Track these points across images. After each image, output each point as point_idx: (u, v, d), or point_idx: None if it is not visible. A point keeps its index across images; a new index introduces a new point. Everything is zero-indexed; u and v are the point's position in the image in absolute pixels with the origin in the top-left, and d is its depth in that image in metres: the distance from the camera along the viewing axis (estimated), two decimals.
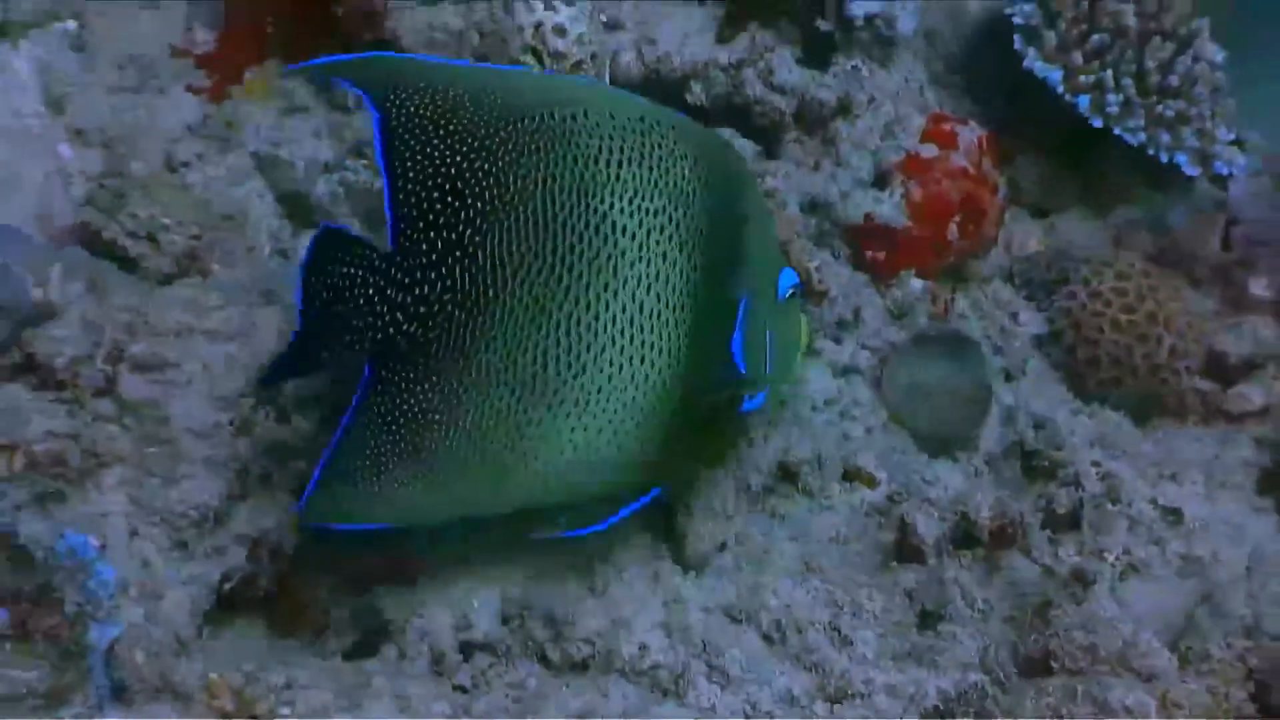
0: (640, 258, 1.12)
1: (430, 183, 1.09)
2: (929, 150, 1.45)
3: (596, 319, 1.11)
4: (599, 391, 1.12)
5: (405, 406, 1.11)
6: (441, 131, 1.09)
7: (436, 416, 1.11)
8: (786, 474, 1.33)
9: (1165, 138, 1.48)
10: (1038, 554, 1.30)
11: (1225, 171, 1.51)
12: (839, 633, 1.24)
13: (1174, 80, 1.47)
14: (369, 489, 1.13)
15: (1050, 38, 1.48)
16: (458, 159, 1.09)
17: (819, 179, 1.42)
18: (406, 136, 1.09)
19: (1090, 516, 1.32)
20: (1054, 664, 1.18)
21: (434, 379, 1.11)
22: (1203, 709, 1.14)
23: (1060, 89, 1.47)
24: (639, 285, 1.11)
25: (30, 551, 0.93)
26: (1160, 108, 1.47)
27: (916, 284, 1.43)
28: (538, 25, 1.39)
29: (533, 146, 1.10)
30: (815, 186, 1.42)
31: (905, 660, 1.23)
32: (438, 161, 1.09)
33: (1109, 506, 1.33)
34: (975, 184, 1.45)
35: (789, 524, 1.33)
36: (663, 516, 1.29)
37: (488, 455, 1.13)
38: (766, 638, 1.27)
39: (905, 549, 1.29)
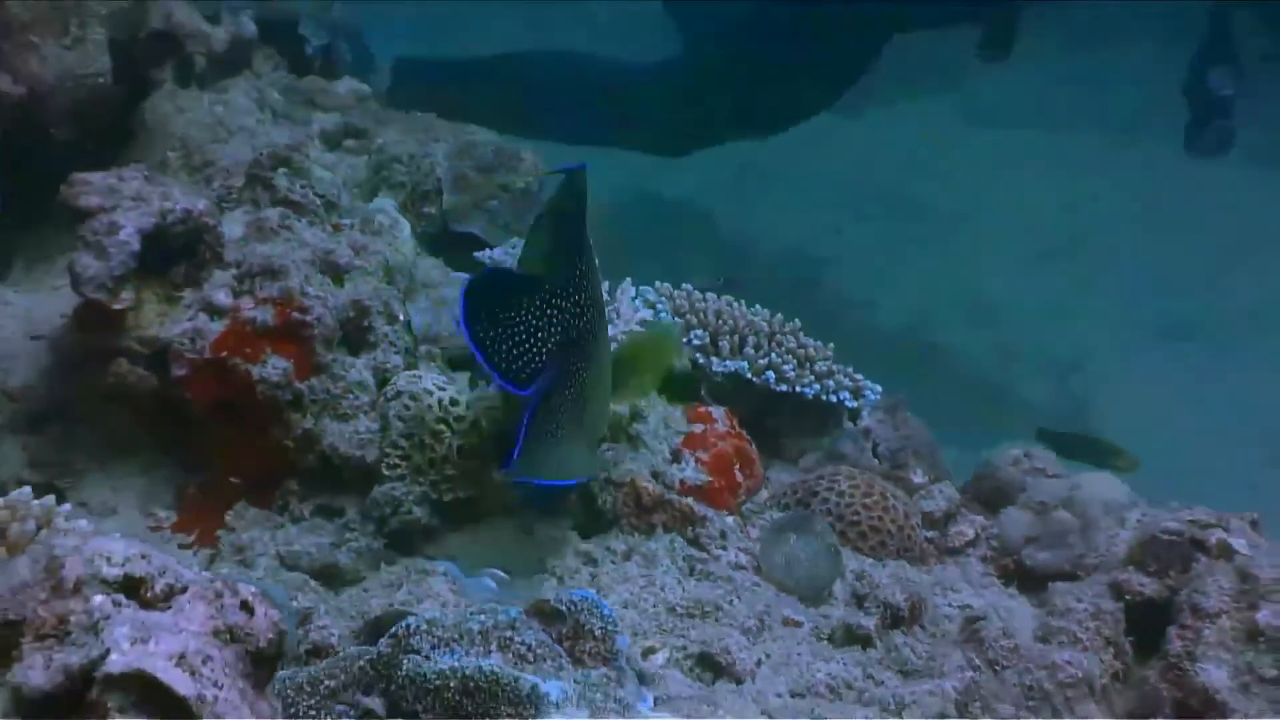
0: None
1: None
2: (698, 427, 2.04)
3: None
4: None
5: (573, 389, 1.68)
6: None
7: (589, 396, 1.71)
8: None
9: (830, 384, 2.19)
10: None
11: (873, 398, 2.25)
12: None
13: (809, 351, 2.20)
14: (553, 451, 1.66)
15: (724, 347, 2.17)
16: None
17: (637, 464, 1.95)
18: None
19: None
20: None
21: (589, 366, 1.70)
22: None
23: (749, 375, 2.15)
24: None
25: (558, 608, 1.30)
26: (815, 368, 2.19)
27: (730, 520, 1.97)
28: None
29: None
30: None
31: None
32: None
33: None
34: (738, 439, 2.04)
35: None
36: None
37: (598, 427, 1.81)
38: None
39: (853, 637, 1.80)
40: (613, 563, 1.81)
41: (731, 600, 1.75)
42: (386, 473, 1.81)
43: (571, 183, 1.69)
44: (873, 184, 6.97)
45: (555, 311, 1.67)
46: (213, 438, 1.80)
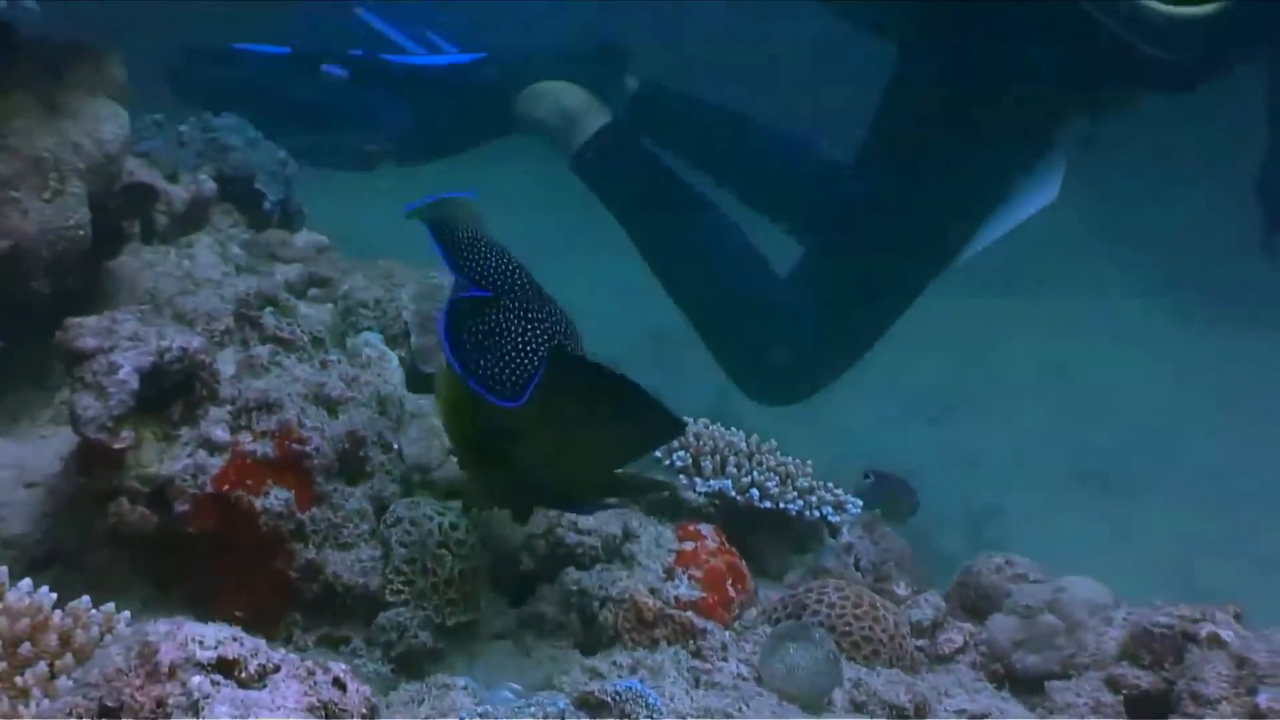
0: None
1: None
2: (689, 545, 2.09)
3: None
4: None
5: None
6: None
7: None
8: None
9: (813, 499, 2.25)
10: None
11: (855, 512, 2.31)
12: None
13: (789, 468, 2.27)
14: None
15: (706, 467, 2.23)
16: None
17: (634, 581, 1.99)
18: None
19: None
20: None
21: None
22: None
23: (733, 493, 2.21)
24: None
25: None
26: (797, 484, 2.25)
27: (727, 634, 2.01)
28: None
29: None
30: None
31: None
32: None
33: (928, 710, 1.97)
34: (729, 555, 2.10)
35: None
36: None
37: None
38: None
39: None
40: (619, 676, 1.85)
41: (740, 708, 1.79)
42: (391, 599, 1.84)
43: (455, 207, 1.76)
44: None
45: (532, 323, 1.72)
46: (214, 572, 1.83)
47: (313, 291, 2.58)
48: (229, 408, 1.87)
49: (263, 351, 1.97)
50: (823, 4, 3.39)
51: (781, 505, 2.23)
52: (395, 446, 1.95)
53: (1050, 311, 7.28)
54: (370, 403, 1.95)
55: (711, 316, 3.40)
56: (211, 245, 2.55)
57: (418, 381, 2.36)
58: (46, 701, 1.12)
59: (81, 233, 2.13)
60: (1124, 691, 1.99)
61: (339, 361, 2.03)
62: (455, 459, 2.01)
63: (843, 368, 3.61)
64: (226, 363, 1.96)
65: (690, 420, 2.29)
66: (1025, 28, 2.84)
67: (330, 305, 2.54)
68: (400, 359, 2.37)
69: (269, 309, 2.08)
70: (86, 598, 1.33)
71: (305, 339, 2.03)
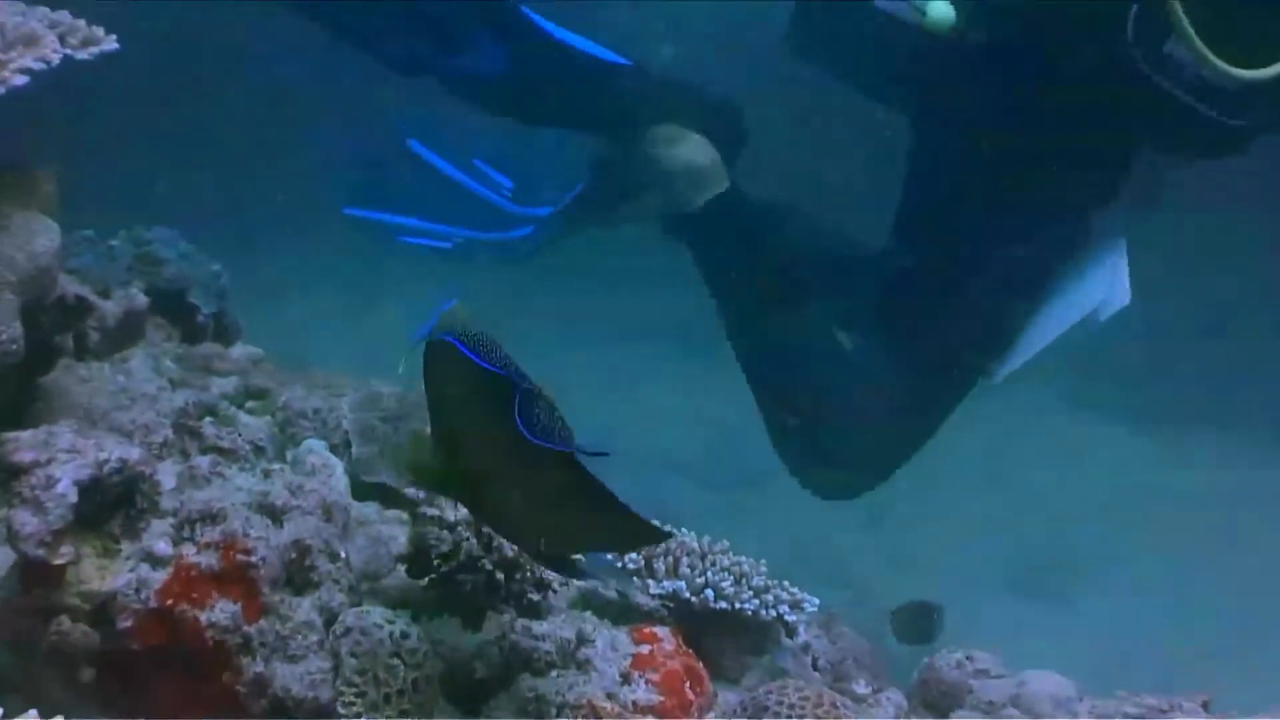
0: None
1: None
2: (645, 648, 2.05)
3: None
4: None
5: None
6: None
7: None
8: None
9: (769, 598, 2.22)
10: None
11: (812, 610, 2.28)
12: None
13: (743, 568, 2.24)
14: None
15: (659, 568, 2.19)
16: None
17: (590, 686, 1.95)
18: None
19: None
20: None
21: None
22: None
23: (687, 594, 2.18)
24: None
25: None
26: (752, 583, 2.22)
27: None
28: None
29: None
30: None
31: None
32: None
33: None
34: (686, 657, 2.05)
35: None
36: None
37: None
38: None
39: None
40: None
41: None
42: (343, 711, 1.79)
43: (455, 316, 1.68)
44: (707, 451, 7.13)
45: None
46: (160, 689, 1.77)
47: (250, 404, 2.53)
48: (171, 520, 1.83)
49: (204, 462, 1.93)
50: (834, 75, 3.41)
51: (737, 605, 2.20)
52: (342, 554, 1.91)
53: (981, 413, 7.34)
54: (316, 511, 1.91)
55: (782, 404, 3.50)
56: (146, 359, 2.50)
57: (361, 491, 2.33)
58: None
59: (14, 346, 2.09)
60: None
61: (283, 470, 2.00)
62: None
63: (902, 461, 3.68)
64: (167, 475, 1.91)
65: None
66: (1077, 94, 2.82)
67: (269, 418, 2.50)
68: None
69: (209, 419, 2.04)
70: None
71: (247, 448, 2.00)
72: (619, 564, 2.21)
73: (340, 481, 2.05)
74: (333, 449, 2.40)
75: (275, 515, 1.88)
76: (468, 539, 1.97)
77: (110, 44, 2.19)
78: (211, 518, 1.81)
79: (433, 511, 2.01)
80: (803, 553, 6.22)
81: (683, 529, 2.31)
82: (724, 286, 3.45)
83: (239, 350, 2.69)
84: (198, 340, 2.71)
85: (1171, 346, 7.17)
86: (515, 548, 1.97)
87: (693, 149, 3.34)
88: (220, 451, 1.98)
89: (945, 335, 3.30)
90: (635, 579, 2.21)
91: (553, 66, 3.39)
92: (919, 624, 2.97)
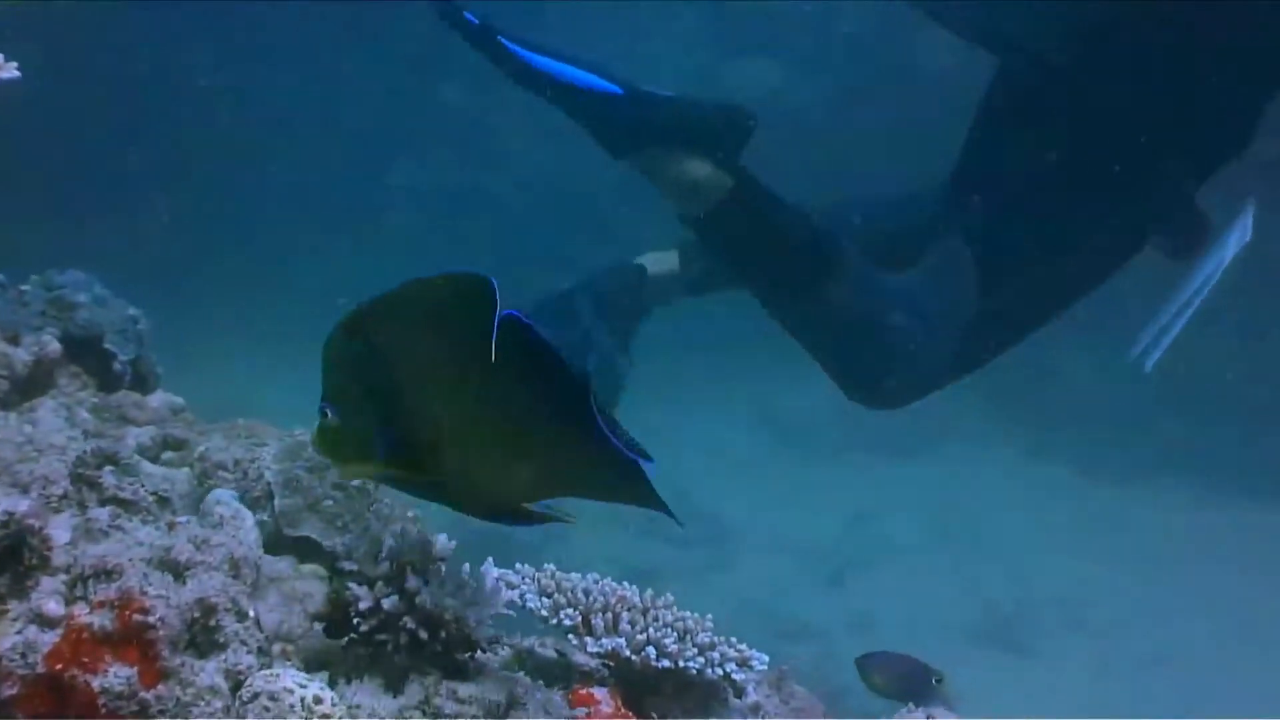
0: None
1: None
2: (581, 711, 1.91)
3: None
4: None
5: None
6: None
7: None
8: None
9: (715, 655, 2.08)
10: None
11: (760, 667, 2.14)
12: None
13: (688, 624, 2.10)
14: None
15: (598, 625, 2.06)
16: None
17: None
18: None
19: None
20: None
21: None
22: None
23: (626, 652, 2.04)
24: None
25: None
26: (696, 640, 2.08)
27: None
28: None
29: None
30: None
31: None
32: None
33: None
34: (626, 719, 1.93)
35: None
36: None
37: None
38: None
39: None
40: None
41: None
42: None
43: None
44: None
45: None
46: None
47: (167, 454, 2.39)
48: (63, 577, 1.68)
49: (102, 514, 1.79)
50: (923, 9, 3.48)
51: (681, 663, 2.06)
52: (251, 613, 1.76)
53: (941, 470, 7.29)
54: (223, 566, 1.77)
55: (832, 340, 3.49)
56: (56, 409, 2.36)
57: (283, 545, 2.18)
58: None
59: None
60: None
61: (188, 522, 1.86)
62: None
63: (957, 378, 3.64)
64: (61, 529, 1.77)
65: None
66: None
67: (186, 469, 2.36)
68: (263, 522, 2.20)
69: (109, 468, 1.90)
70: None
71: (150, 499, 1.86)
72: (554, 620, 2.07)
73: (250, 534, 1.90)
74: (254, 501, 2.26)
75: (178, 571, 1.74)
76: (390, 594, 1.83)
77: (10, 71, 2.06)
78: (107, 574, 1.67)
79: (351, 566, 1.87)
80: (761, 610, 6.17)
81: (624, 583, 2.17)
82: (761, 277, 3.51)
83: (158, 399, 2.55)
84: (115, 388, 2.57)
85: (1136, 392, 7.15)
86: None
87: (682, 167, 3.38)
88: (120, 503, 1.84)
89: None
90: (572, 636, 2.06)
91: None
92: (906, 681, 2.83)
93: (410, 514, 2.34)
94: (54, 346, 2.45)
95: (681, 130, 3.35)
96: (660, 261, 3.94)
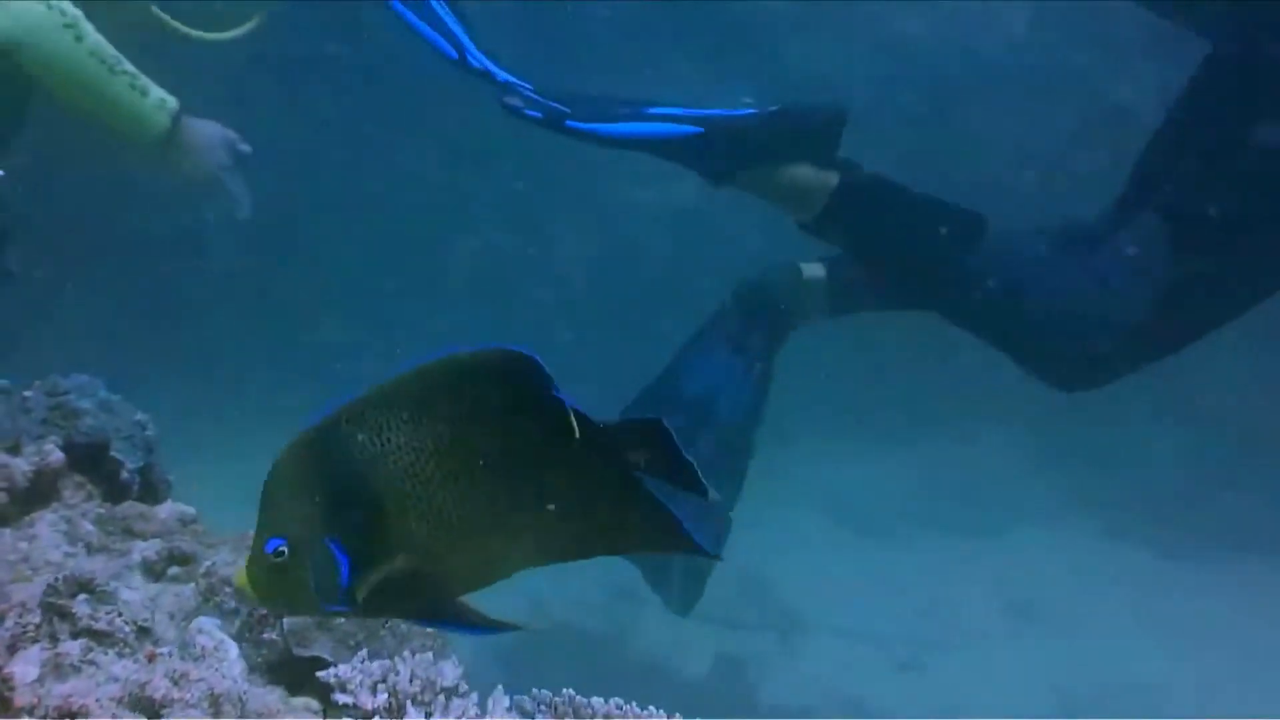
0: None
1: None
2: None
3: None
4: None
5: None
6: None
7: None
8: None
9: None
10: None
11: None
12: None
13: None
14: None
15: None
16: None
17: None
18: None
19: None
20: None
21: None
22: None
23: None
24: None
25: None
26: None
27: None
28: None
29: None
30: None
31: None
32: None
33: None
34: None
35: None
36: None
37: None
38: None
39: None
40: None
41: None
42: None
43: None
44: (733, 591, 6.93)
45: None
46: None
47: (173, 570, 2.26)
48: None
49: (74, 648, 1.65)
50: None
51: None
52: None
53: (1015, 552, 7.09)
54: (202, 703, 1.63)
55: (1020, 330, 3.41)
56: (55, 522, 2.24)
57: (297, 666, 2.04)
58: None
59: None
60: None
61: (170, 655, 1.71)
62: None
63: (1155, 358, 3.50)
64: (29, 664, 1.64)
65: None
66: None
67: (192, 585, 2.22)
68: (272, 641, 2.06)
69: (83, 596, 1.77)
70: None
71: (127, 629, 1.72)
72: None
73: (235, 667, 1.75)
74: (263, 619, 2.12)
75: (153, 710, 1.60)
76: None
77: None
78: (72, 716, 1.53)
79: (345, 699, 1.71)
80: (838, 697, 6.00)
81: (650, 707, 2.00)
82: (903, 265, 3.51)
83: (166, 509, 2.42)
84: (122, 498, 2.44)
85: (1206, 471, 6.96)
86: None
87: (783, 176, 3.41)
88: (94, 635, 1.70)
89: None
90: None
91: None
92: None
93: (429, 629, 2.19)
94: (56, 455, 2.33)
95: (773, 142, 3.36)
96: (810, 270, 3.83)
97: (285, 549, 1.53)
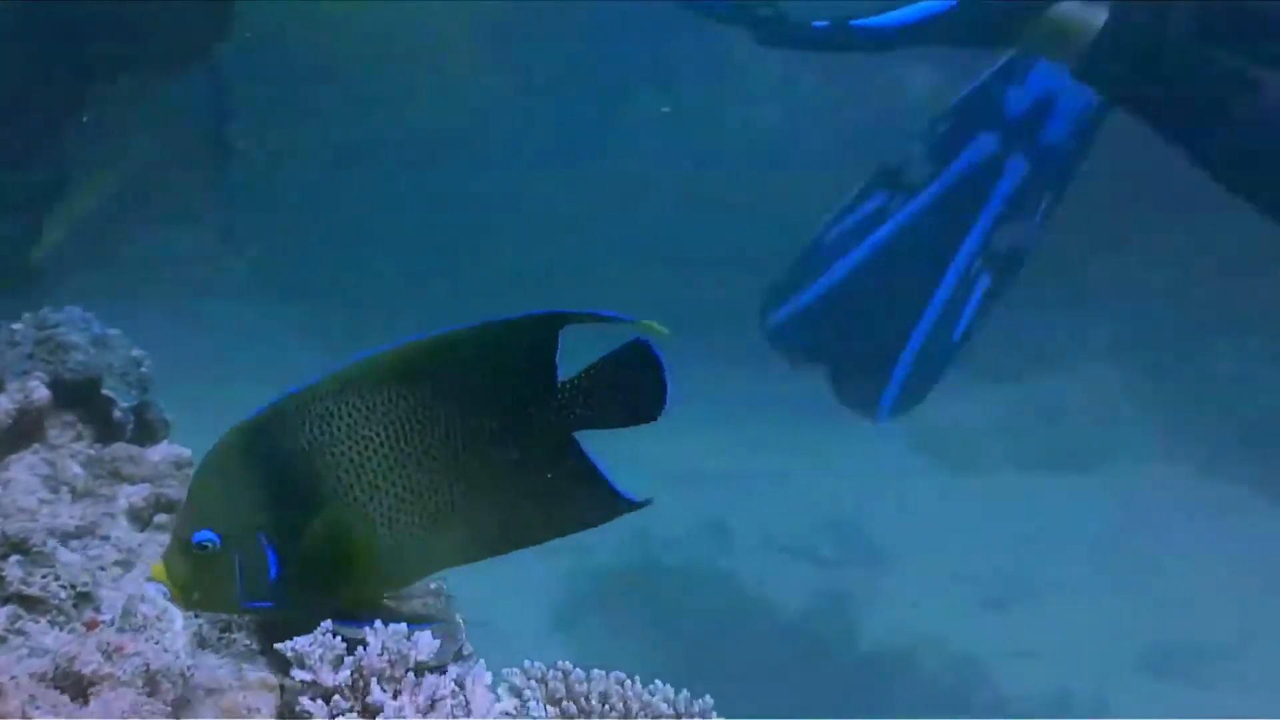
0: None
1: None
2: None
3: None
4: None
5: None
6: None
7: None
8: None
9: None
10: None
11: None
12: None
13: None
14: None
15: None
16: None
17: None
18: None
19: None
20: None
21: None
22: None
23: None
24: None
25: None
26: None
27: None
28: None
29: None
30: None
31: None
32: None
33: None
34: None
35: None
36: None
37: None
38: None
39: None
40: None
41: None
42: None
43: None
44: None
45: None
46: None
47: (160, 518, 2.10)
48: None
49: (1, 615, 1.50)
50: None
51: None
52: None
53: (1108, 489, 6.89)
54: (136, 681, 1.46)
55: None
56: (35, 465, 2.08)
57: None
58: None
59: None
60: None
61: (111, 623, 1.55)
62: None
63: None
64: None
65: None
66: None
67: None
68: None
69: (15, 557, 1.61)
70: None
71: (63, 596, 1.56)
72: None
73: (178, 640, 1.58)
74: None
75: (80, 688, 1.43)
76: (349, 709, 1.51)
77: None
78: None
79: (306, 676, 1.54)
80: (920, 638, 5.87)
81: (656, 681, 1.81)
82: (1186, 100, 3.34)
83: (160, 451, 2.26)
84: (115, 439, 2.28)
85: None
86: None
87: (1049, 19, 3.38)
88: (24, 601, 1.54)
89: None
90: None
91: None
92: None
93: (434, 585, 2.01)
94: (41, 393, 2.17)
95: None
96: None
97: (213, 542, 1.48)
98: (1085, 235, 6.26)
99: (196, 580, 1.51)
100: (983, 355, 7.53)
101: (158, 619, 1.56)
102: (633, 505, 1.58)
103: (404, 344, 1.52)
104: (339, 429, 1.49)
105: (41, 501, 2.04)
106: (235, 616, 1.69)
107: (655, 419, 1.55)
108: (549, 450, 1.53)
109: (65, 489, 2.12)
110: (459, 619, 2.29)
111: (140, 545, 1.99)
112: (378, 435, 1.49)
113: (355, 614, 1.55)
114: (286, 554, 1.50)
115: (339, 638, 1.56)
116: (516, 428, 1.52)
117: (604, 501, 1.57)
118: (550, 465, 1.54)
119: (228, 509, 1.49)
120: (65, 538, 1.98)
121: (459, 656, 2.30)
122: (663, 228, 7.84)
